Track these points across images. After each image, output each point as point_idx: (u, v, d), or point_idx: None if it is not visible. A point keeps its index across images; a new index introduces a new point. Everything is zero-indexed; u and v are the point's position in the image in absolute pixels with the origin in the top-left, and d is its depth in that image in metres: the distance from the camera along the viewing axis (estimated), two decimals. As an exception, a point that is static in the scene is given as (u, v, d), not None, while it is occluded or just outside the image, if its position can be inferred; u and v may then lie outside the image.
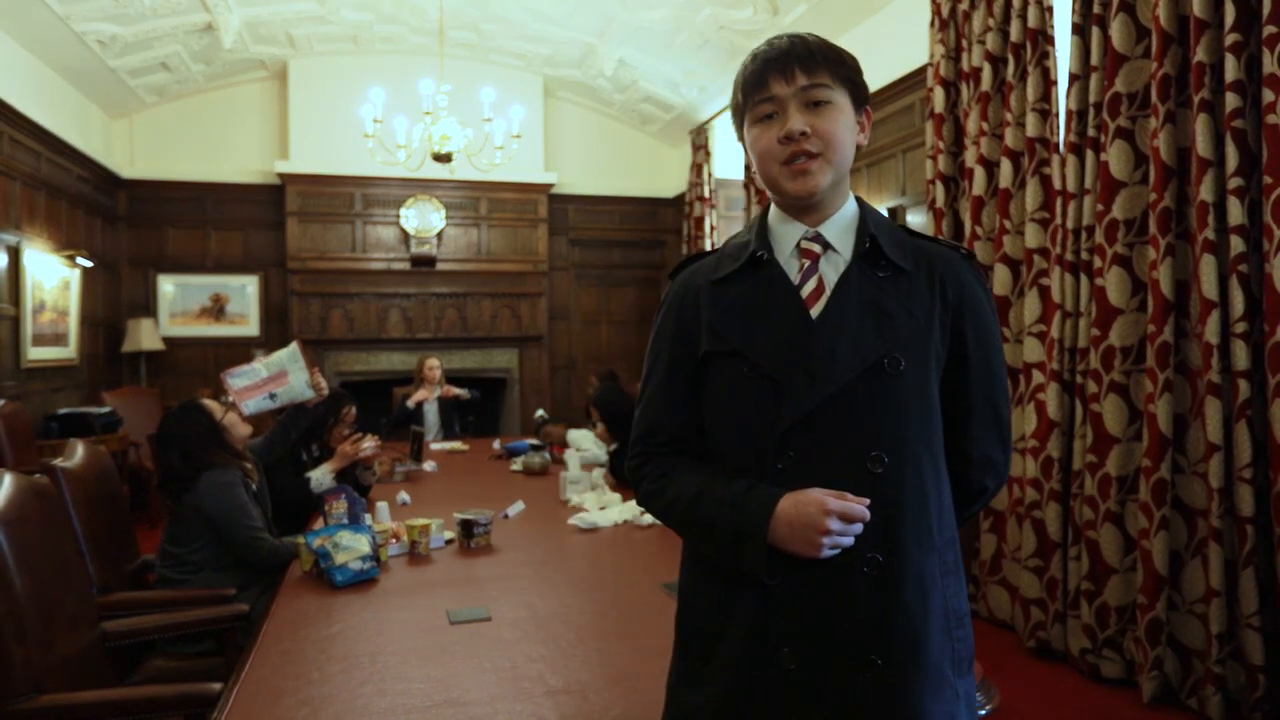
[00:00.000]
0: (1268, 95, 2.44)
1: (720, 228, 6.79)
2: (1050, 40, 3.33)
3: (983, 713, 1.58)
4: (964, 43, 3.74)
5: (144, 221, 6.71)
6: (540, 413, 5.22)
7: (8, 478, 1.77)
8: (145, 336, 6.42)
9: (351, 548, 2.16)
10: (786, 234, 1.10)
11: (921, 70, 4.22)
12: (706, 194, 6.71)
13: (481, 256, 7.15)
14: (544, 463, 3.96)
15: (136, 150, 6.67)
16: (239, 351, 6.56)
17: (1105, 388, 2.97)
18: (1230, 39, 2.53)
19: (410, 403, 5.38)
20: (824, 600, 1.01)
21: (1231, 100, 2.53)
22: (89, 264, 5.85)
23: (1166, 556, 2.76)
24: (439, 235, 6.98)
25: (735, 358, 1.06)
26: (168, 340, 6.67)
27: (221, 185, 6.80)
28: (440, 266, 6.99)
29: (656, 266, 7.89)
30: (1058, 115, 3.30)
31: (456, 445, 4.92)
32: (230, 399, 2.82)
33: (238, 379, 2.88)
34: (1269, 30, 2.42)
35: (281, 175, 6.66)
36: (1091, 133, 3.03)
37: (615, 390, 3.91)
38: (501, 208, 7.17)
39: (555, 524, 2.81)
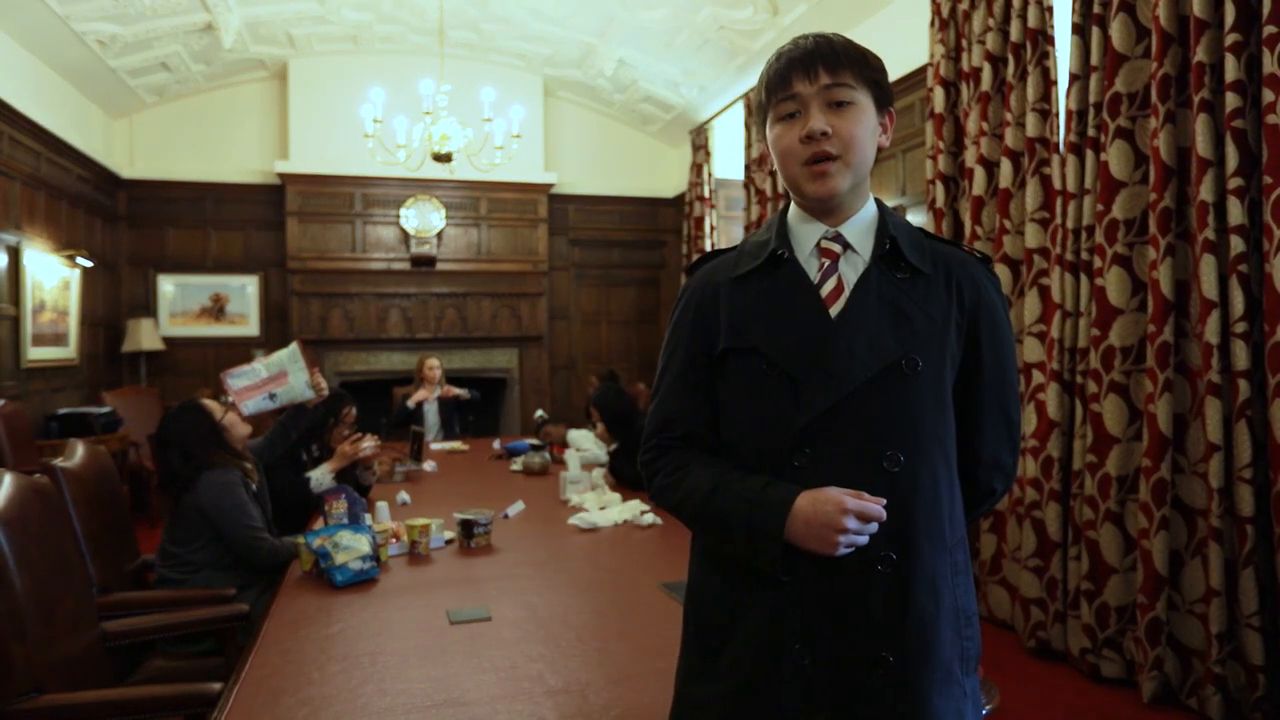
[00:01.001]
0: (1268, 95, 2.44)
1: (720, 228, 6.79)
2: (1050, 40, 3.33)
3: (983, 713, 1.58)
4: (964, 43, 3.74)
5: (144, 221, 6.71)
6: (540, 413, 5.22)
7: (8, 478, 1.77)
8: (145, 336, 6.42)
9: (351, 548, 2.16)
10: (807, 233, 1.11)
11: (921, 70, 4.22)
12: (706, 194, 6.71)
13: (481, 256, 7.15)
14: (544, 463, 3.96)
15: (136, 150, 6.67)
16: (239, 351, 6.57)
17: (1105, 388, 2.97)
18: (1230, 39, 2.53)
19: (410, 403, 5.38)
20: (837, 597, 1.02)
21: (1231, 100, 2.53)
22: (89, 264, 5.85)
23: (1166, 556, 2.76)
24: (439, 235, 6.98)
25: (754, 355, 1.07)
26: (168, 340, 6.67)
27: (221, 185, 6.80)
28: (440, 266, 6.99)
29: (656, 266, 7.89)
30: (1058, 115, 3.30)
31: (456, 445, 4.92)
32: (230, 399, 2.82)
33: (237, 379, 2.88)
34: (1269, 30, 2.42)
35: (281, 175, 6.65)
36: (1091, 133, 3.03)
37: (615, 390, 3.91)
38: (501, 208, 7.17)
39: (555, 524, 2.81)
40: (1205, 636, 2.65)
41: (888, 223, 1.10)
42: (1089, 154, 3.03)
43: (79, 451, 2.46)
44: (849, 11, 4.77)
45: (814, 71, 1.05)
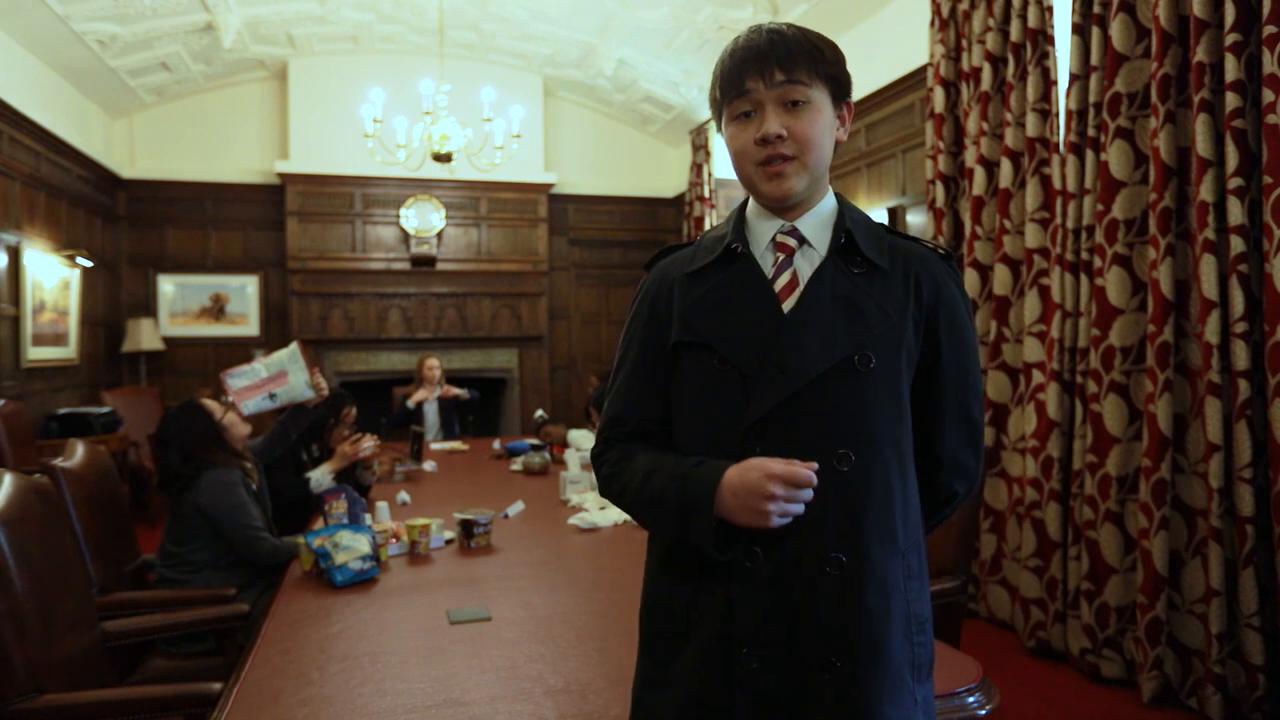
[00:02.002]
0: (1268, 95, 2.44)
1: (720, 228, 6.79)
2: (1050, 40, 3.33)
3: (982, 713, 1.57)
4: (964, 43, 3.74)
5: (144, 221, 6.72)
6: (540, 413, 5.21)
7: (8, 478, 1.77)
8: (145, 336, 6.42)
9: (351, 548, 2.16)
10: (763, 228, 1.09)
11: (921, 70, 4.21)
12: (706, 194, 6.71)
13: (481, 256, 7.15)
14: (544, 463, 3.96)
15: (136, 150, 6.67)
16: (239, 351, 6.57)
17: (1105, 388, 2.97)
18: (1230, 39, 2.53)
19: (410, 402, 5.38)
20: (786, 600, 1.00)
21: (1231, 100, 2.53)
22: (89, 264, 5.85)
23: (1166, 556, 2.76)
24: (439, 235, 6.98)
25: (705, 349, 1.06)
26: (168, 340, 6.67)
27: (221, 185, 6.81)
28: (440, 266, 6.99)
29: (656, 266, 7.88)
30: (1058, 115, 3.30)
31: (456, 445, 4.91)
32: (230, 399, 2.82)
33: (237, 379, 2.88)
34: (1269, 30, 2.42)
35: (281, 175, 6.65)
36: (1091, 133, 3.03)
37: (615, 390, 3.90)
38: (501, 208, 7.17)
39: (555, 524, 2.81)
40: (1205, 636, 2.65)
41: (845, 217, 1.08)
42: (1089, 154, 3.03)
43: (79, 451, 2.46)
44: (849, 11, 4.77)
45: (768, 71, 1.02)
